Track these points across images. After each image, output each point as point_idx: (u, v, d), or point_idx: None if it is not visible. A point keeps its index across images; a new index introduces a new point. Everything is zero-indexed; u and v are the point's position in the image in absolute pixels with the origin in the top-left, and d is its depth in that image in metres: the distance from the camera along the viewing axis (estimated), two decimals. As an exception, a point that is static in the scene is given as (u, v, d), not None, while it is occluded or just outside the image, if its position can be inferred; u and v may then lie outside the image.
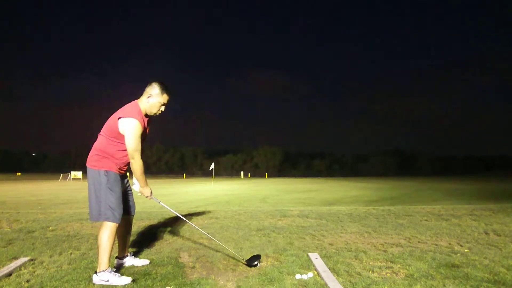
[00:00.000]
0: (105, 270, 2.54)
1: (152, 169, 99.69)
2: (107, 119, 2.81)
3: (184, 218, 3.19)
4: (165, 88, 2.80)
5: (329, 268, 2.75)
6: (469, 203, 9.19)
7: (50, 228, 4.68)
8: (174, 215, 5.92)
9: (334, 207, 7.70)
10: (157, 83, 2.79)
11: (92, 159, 2.74)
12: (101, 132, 2.77)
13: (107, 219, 2.62)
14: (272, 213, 6.14)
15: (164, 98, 2.80)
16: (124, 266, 2.91)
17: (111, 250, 2.64)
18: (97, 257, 2.68)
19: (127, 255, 2.99)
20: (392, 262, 2.97)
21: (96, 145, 2.77)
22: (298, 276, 2.61)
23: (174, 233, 4.28)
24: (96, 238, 3.98)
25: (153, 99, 2.76)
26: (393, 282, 2.46)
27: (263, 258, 3.09)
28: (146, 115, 2.81)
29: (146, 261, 2.99)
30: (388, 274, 2.66)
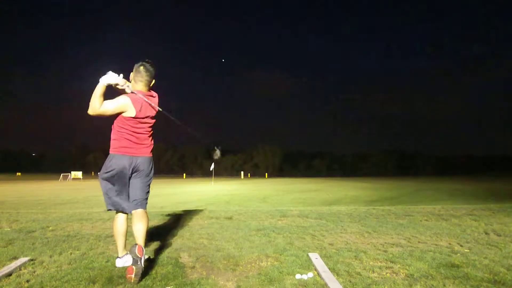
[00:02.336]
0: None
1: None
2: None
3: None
4: (141, 63, 2.91)
5: (329, 268, 2.75)
6: (469, 203, 9.19)
7: (50, 228, 4.67)
8: (174, 215, 5.93)
9: (334, 207, 7.70)
10: None
11: None
12: None
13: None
14: (272, 213, 6.14)
15: (142, 71, 2.88)
16: (125, 266, 2.91)
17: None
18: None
19: (126, 253, 2.99)
20: (392, 262, 2.97)
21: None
22: (298, 276, 2.61)
23: (174, 233, 4.28)
24: (96, 238, 3.99)
25: (134, 75, 2.92)
26: (393, 282, 2.46)
27: (263, 258, 3.09)
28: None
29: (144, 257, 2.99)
30: (388, 274, 2.66)
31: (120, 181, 2.82)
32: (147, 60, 2.94)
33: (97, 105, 2.67)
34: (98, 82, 2.73)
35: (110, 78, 2.76)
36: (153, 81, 2.98)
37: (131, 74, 2.96)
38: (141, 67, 2.90)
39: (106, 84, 2.74)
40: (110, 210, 2.89)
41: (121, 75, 2.83)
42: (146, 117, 2.87)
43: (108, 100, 2.75)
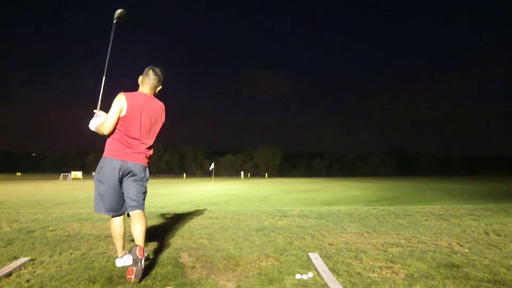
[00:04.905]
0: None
1: (152, 169, 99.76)
2: None
3: None
4: (151, 67, 3.00)
5: (329, 268, 2.75)
6: (469, 203, 9.20)
7: (50, 228, 4.67)
8: (173, 214, 5.93)
9: (334, 207, 7.69)
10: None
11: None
12: None
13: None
14: (272, 213, 6.14)
15: (150, 74, 2.96)
16: (125, 266, 2.91)
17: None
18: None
19: (126, 253, 3.00)
20: (392, 262, 2.97)
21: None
22: (298, 276, 2.61)
23: (174, 233, 4.28)
24: (96, 238, 3.99)
25: (143, 77, 2.99)
26: (393, 282, 2.46)
27: (263, 258, 3.10)
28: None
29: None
30: (388, 274, 2.66)
31: (111, 183, 2.81)
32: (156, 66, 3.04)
33: (105, 132, 2.83)
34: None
35: (95, 123, 2.95)
36: (160, 86, 3.02)
37: (140, 77, 3.00)
38: (150, 71, 2.97)
39: (95, 128, 2.93)
40: (97, 212, 2.88)
41: (95, 111, 3.01)
42: (139, 119, 2.84)
43: (108, 114, 2.82)
